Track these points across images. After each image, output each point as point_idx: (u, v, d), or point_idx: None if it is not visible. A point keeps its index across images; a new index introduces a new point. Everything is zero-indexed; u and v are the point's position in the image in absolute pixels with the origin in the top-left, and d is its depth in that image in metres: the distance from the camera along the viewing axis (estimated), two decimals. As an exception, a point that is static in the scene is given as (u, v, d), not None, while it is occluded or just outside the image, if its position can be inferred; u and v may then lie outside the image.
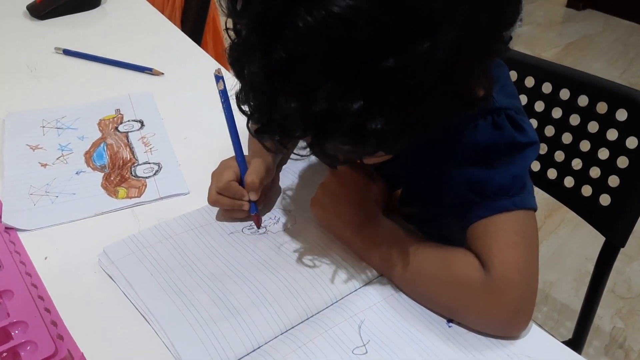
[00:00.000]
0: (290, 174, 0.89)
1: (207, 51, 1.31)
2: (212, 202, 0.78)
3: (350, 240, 0.73)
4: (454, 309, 0.65)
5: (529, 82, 0.95)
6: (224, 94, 0.75)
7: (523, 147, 0.64)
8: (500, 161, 0.64)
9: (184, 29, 1.65)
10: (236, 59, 0.54)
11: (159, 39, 1.34)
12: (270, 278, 0.70)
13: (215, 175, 0.79)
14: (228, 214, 0.79)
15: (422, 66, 0.46)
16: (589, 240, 1.83)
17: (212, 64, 1.21)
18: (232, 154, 0.79)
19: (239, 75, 0.54)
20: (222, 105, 0.75)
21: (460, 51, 0.47)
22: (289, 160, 0.92)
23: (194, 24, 1.77)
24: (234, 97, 0.57)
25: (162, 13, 1.50)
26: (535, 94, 0.95)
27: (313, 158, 0.92)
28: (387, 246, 0.70)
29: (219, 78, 0.74)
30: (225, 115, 0.76)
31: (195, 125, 1.02)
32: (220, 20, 1.93)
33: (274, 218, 0.81)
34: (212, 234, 0.77)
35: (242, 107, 0.56)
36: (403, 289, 0.69)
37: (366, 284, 0.70)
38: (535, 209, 0.65)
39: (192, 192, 0.87)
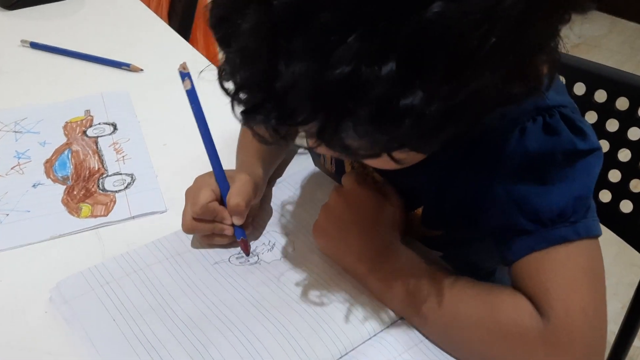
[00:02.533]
0: (286, 189, 0.74)
1: (196, 49, 1.17)
2: (187, 229, 0.64)
3: (364, 276, 0.60)
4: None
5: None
6: (192, 95, 0.61)
7: (585, 156, 0.51)
8: (557, 176, 0.50)
9: (171, 23, 1.51)
10: (221, 18, 0.41)
11: (140, 32, 1.19)
12: (263, 324, 0.56)
13: (190, 195, 0.65)
14: (208, 239, 0.66)
15: (483, 16, 0.35)
16: (621, 261, 1.67)
17: (201, 60, 1.07)
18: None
19: (223, 40, 0.41)
20: (192, 109, 0.62)
21: (531, 4, 0.36)
22: (285, 171, 0.78)
23: (182, 18, 1.63)
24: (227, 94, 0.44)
25: (148, 6, 1.36)
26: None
27: (314, 168, 0.78)
28: (410, 283, 0.56)
29: (184, 75, 0.60)
30: (197, 122, 0.63)
31: (178, 129, 0.88)
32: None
33: (268, 244, 0.66)
34: (192, 265, 0.63)
35: (225, 85, 0.43)
36: (433, 337, 0.56)
37: (383, 330, 0.56)
38: (600, 235, 0.52)
39: (170, 210, 0.72)
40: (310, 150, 0.78)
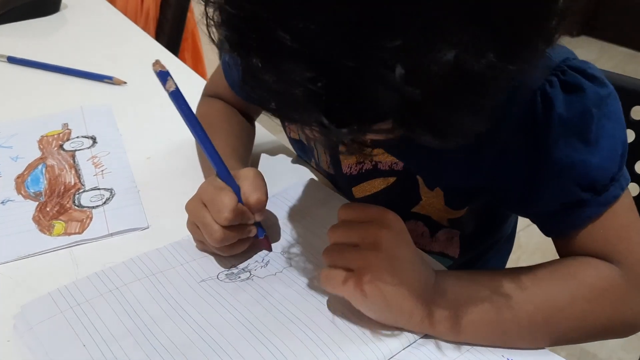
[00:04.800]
0: (281, 203, 0.68)
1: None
2: (220, 240, 0.55)
3: (425, 318, 0.49)
4: (609, 325, 0.52)
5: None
6: (177, 96, 0.55)
7: (610, 102, 0.51)
8: (600, 133, 0.50)
9: (159, 42, 1.46)
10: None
11: (124, 46, 1.14)
12: (256, 348, 0.49)
13: (210, 203, 0.56)
14: (231, 249, 0.58)
15: None
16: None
17: (188, 73, 1.02)
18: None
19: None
20: (180, 111, 0.55)
21: None
22: (275, 185, 0.71)
23: (169, 37, 1.58)
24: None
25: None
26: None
27: (308, 181, 0.72)
28: (483, 301, 0.49)
29: (164, 75, 0.53)
30: (188, 124, 0.56)
31: (162, 142, 0.82)
32: (201, 36, 1.74)
33: (262, 261, 0.59)
34: (176, 284, 0.56)
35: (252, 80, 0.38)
36: (533, 340, 0.50)
37: (398, 353, 0.49)
38: None
39: (153, 227, 0.66)
40: (301, 150, 0.73)
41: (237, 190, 0.57)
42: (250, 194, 0.57)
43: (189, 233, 0.62)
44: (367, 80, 0.34)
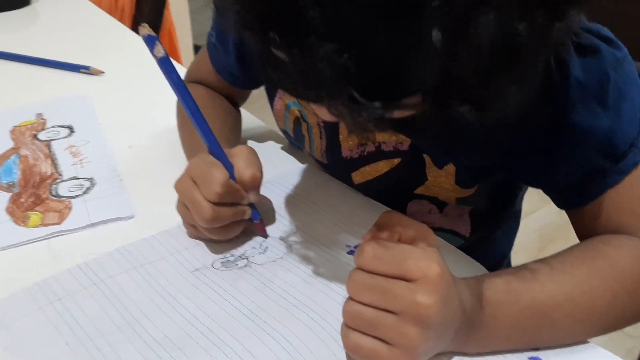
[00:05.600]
0: (277, 189, 0.63)
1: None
2: (209, 218, 0.50)
3: (467, 341, 0.44)
4: None
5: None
6: (165, 63, 0.50)
7: (626, 64, 0.48)
8: (618, 98, 0.47)
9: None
10: None
11: (100, 37, 1.08)
12: (261, 339, 0.44)
13: (199, 179, 0.51)
14: (223, 232, 0.53)
15: None
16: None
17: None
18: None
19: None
20: (169, 80, 0.50)
21: None
22: (267, 172, 0.66)
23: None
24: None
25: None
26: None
27: (303, 167, 0.67)
28: (512, 307, 0.44)
29: (152, 40, 0.48)
30: (178, 94, 0.51)
31: (145, 131, 0.77)
32: (177, 33, 1.69)
33: (260, 247, 0.55)
34: (167, 274, 0.51)
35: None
36: (570, 335, 0.46)
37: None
38: None
39: (138, 217, 0.60)
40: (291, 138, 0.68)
41: (230, 167, 0.52)
42: (243, 170, 0.52)
43: (178, 221, 0.57)
44: (402, 48, 0.31)
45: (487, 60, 0.32)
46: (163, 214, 0.59)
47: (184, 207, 0.53)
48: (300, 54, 0.33)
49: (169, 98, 0.71)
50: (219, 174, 0.50)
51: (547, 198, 0.54)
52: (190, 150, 0.65)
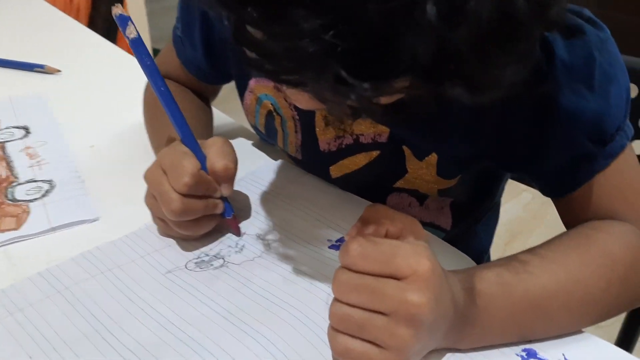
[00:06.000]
0: (251, 186, 0.60)
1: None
2: (177, 211, 0.47)
3: (461, 337, 0.42)
4: (638, 294, 0.47)
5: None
6: (138, 45, 0.47)
7: (610, 44, 0.47)
8: (604, 79, 0.45)
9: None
10: None
11: (55, 36, 1.03)
12: (242, 341, 0.41)
13: (169, 169, 0.48)
14: (193, 227, 0.50)
15: None
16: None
17: (127, 58, 0.93)
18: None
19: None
20: (141, 63, 0.47)
21: None
22: (244, 166, 0.63)
23: (102, 34, 1.47)
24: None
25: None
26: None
27: (276, 164, 0.64)
28: (505, 301, 0.42)
29: (125, 20, 0.45)
30: (150, 78, 0.48)
31: (106, 130, 0.73)
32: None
33: (235, 246, 0.52)
34: (138, 278, 0.48)
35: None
36: (564, 326, 0.44)
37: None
38: None
39: (103, 218, 0.57)
40: (264, 134, 0.65)
41: (202, 158, 0.50)
42: (216, 161, 0.49)
43: (146, 222, 0.53)
44: (394, 23, 0.29)
45: (484, 37, 0.30)
46: (129, 215, 0.56)
47: (152, 198, 0.50)
48: (281, 31, 0.30)
49: (130, 95, 0.67)
50: (189, 164, 0.47)
51: (513, 193, 0.53)
52: (159, 143, 0.62)
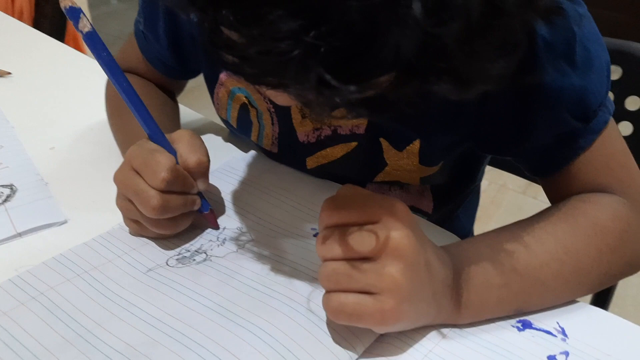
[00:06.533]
0: (225, 177, 0.59)
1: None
2: (158, 208, 0.45)
3: (454, 313, 0.42)
4: (631, 264, 0.48)
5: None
6: (93, 38, 0.44)
7: (587, 21, 0.46)
8: (585, 55, 0.45)
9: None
10: None
11: (2, 39, 0.98)
12: (237, 334, 0.40)
13: (142, 167, 0.46)
14: (170, 226, 0.48)
15: None
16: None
17: (79, 56, 0.89)
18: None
19: None
20: (98, 58, 0.45)
21: None
22: (215, 160, 0.61)
23: (48, 34, 1.42)
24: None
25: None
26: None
27: (248, 154, 0.63)
28: (498, 274, 0.42)
29: (76, 13, 0.43)
30: (108, 73, 0.46)
31: (65, 131, 0.70)
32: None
33: (217, 239, 0.50)
34: (117, 278, 0.45)
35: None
36: (557, 297, 0.45)
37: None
38: None
39: (72, 221, 0.54)
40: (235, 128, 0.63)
41: (173, 154, 0.48)
42: (187, 156, 0.48)
43: (117, 222, 0.51)
44: (377, 21, 0.27)
45: (473, 31, 0.29)
46: (98, 216, 0.54)
47: (125, 201, 0.47)
48: (259, 34, 0.28)
49: (86, 94, 0.65)
50: (164, 159, 0.46)
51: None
52: (124, 141, 0.59)
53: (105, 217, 0.53)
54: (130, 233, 0.50)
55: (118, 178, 0.48)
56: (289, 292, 0.43)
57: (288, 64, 0.28)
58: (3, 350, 0.39)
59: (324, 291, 0.39)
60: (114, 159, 0.62)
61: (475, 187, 0.67)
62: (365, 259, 0.37)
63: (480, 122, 0.49)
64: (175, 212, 0.47)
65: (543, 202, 0.53)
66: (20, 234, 0.52)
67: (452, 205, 0.64)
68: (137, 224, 0.49)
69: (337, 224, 0.38)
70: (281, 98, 0.37)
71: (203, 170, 0.49)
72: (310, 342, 0.39)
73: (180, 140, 0.49)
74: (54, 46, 0.95)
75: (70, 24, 1.40)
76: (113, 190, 0.55)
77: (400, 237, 0.37)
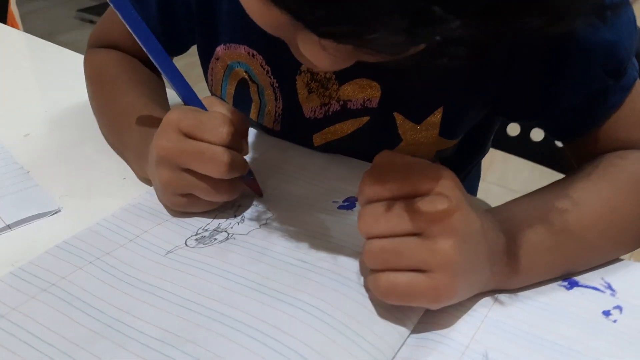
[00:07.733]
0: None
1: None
2: (230, 165, 0.42)
3: (507, 278, 0.40)
4: None
5: None
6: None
7: None
8: (615, 10, 0.41)
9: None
10: None
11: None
12: (286, 311, 0.36)
13: (196, 127, 0.42)
14: (229, 190, 0.45)
15: None
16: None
17: (38, 43, 0.83)
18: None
19: None
20: (124, 18, 0.41)
21: None
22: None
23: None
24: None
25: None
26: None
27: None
28: (551, 233, 0.40)
29: None
30: (137, 35, 0.42)
31: (38, 116, 0.65)
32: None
33: (235, 218, 0.46)
34: (134, 263, 0.41)
35: None
36: (605, 255, 0.43)
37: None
38: None
39: (66, 209, 0.49)
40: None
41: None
42: (231, 114, 0.44)
43: (117, 206, 0.47)
44: None
45: None
46: (94, 201, 0.49)
47: (176, 171, 0.43)
48: None
49: (56, 80, 0.61)
50: (219, 113, 0.43)
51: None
52: (115, 120, 0.54)
53: (102, 202, 0.48)
54: (168, 212, 0.46)
55: (166, 147, 0.43)
56: (330, 265, 0.40)
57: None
58: (21, 349, 0.34)
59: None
60: (94, 142, 0.57)
61: (483, 156, 0.66)
62: (413, 234, 0.34)
63: (507, 86, 0.48)
64: (239, 172, 0.44)
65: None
66: (9, 226, 0.46)
67: (457, 175, 0.62)
68: (187, 198, 0.44)
69: (380, 198, 0.35)
70: (324, 57, 0.33)
71: (247, 127, 0.47)
72: (365, 315, 0.36)
73: (213, 104, 0.45)
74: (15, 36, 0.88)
75: (11, 3, 1.32)
76: (100, 174, 0.51)
77: (450, 209, 0.34)
